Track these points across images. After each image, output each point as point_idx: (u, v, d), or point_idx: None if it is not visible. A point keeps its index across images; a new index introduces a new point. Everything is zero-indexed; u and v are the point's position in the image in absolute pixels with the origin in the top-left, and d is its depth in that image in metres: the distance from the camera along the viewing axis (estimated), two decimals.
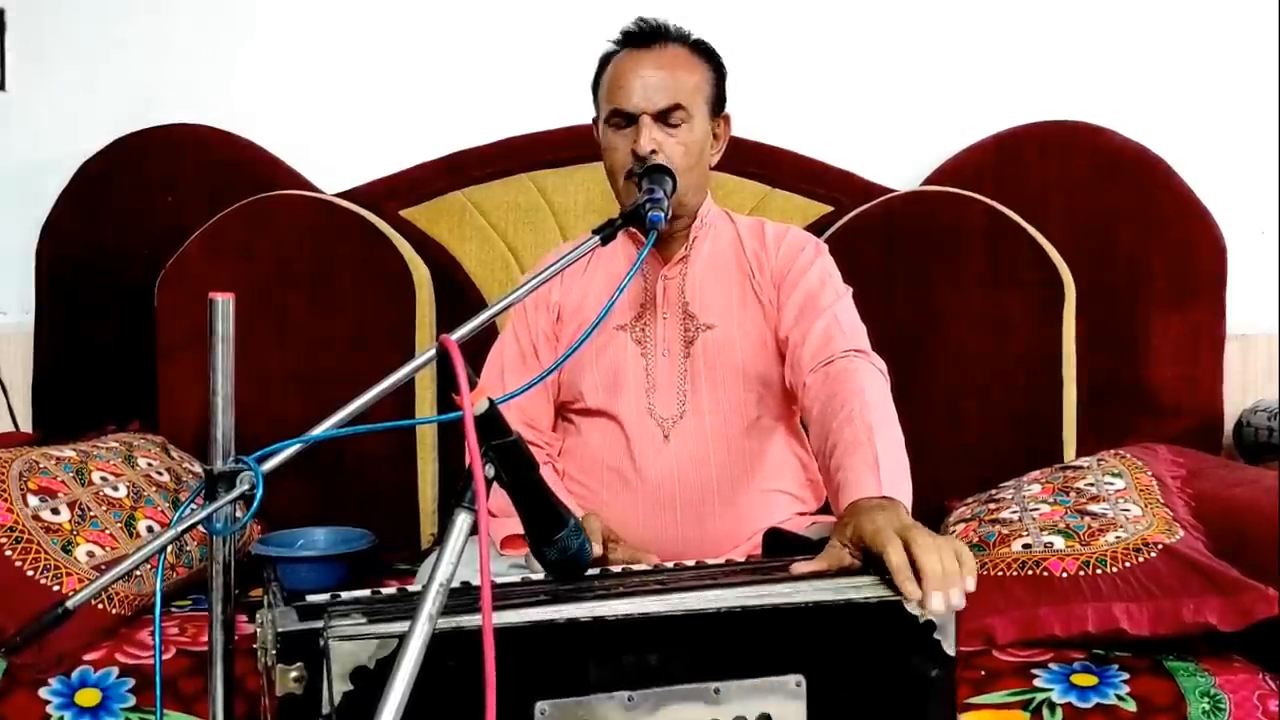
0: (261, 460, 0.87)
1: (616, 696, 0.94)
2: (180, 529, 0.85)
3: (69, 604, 0.79)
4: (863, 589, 1.01)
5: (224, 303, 0.87)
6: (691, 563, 1.17)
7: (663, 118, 1.46)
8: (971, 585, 1.00)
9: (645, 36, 1.51)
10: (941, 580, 0.98)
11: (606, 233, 1.25)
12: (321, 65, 2.31)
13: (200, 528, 0.86)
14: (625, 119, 1.48)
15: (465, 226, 2.18)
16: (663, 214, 1.32)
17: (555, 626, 0.94)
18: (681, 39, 1.53)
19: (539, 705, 0.93)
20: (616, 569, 1.16)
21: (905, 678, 1.01)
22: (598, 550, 1.30)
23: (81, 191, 2.22)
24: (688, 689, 0.96)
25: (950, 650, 1.01)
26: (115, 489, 1.63)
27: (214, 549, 0.90)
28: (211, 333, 0.87)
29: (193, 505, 0.89)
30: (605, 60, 1.55)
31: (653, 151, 1.44)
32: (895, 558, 1.00)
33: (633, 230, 1.52)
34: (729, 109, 1.59)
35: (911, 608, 0.99)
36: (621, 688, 0.94)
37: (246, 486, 0.85)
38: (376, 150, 2.27)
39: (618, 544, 1.42)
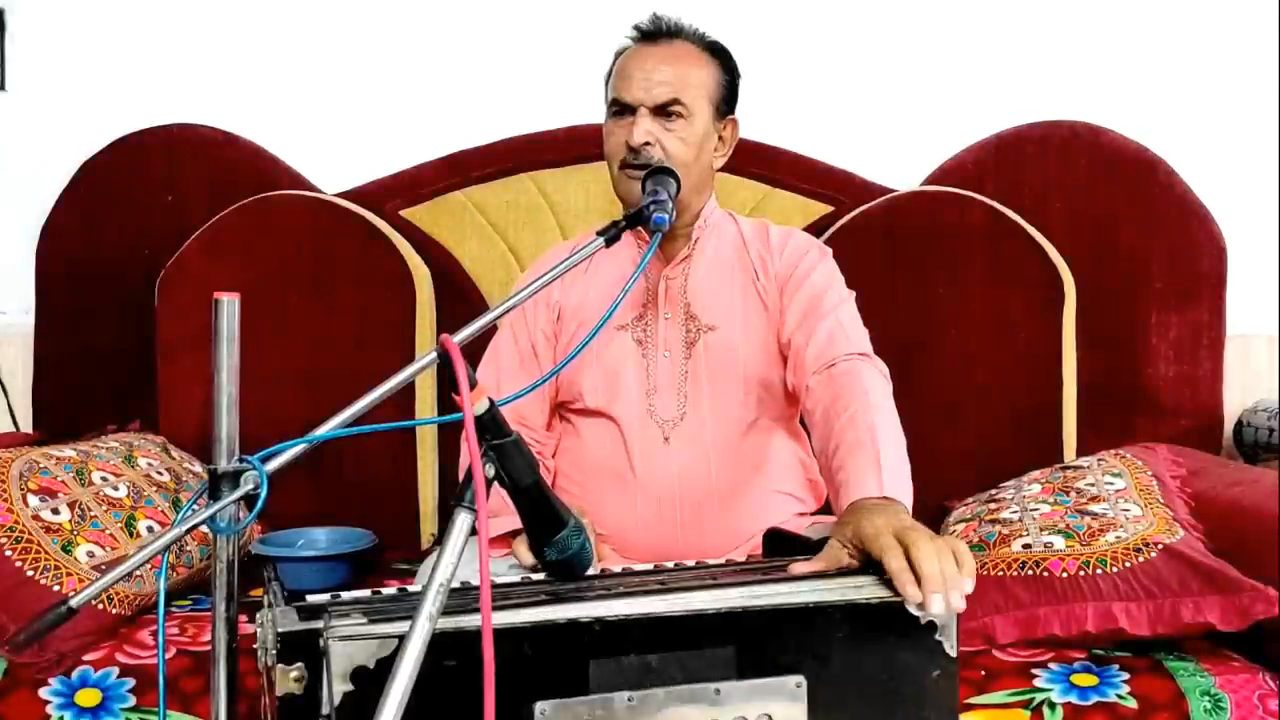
0: (265, 460, 0.87)
1: (617, 697, 0.93)
2: (184, 528, 0.85)
3: (72, 602, 0.79)
4: (863, 590, 1.01)
5: (229, 303, 0.87)
6: (692, 563, 1.17)
7: (661, 112, 1.47)
8: (970, 587, 1.00)
9: (654, 32, 1.52)
10: (940, 582, 0.98)
11: (610, 234, 1.25)
12: (322, 65, 2.31)
13: (203, 527, 0.86)
14: (624, 109, 1.48)
15: (465, 226, 2.18)
16: (666, 216, 1.32)
17: (555, 627, 0.93)
18: (696, 38, 1.54)
19: (539, 706, 0.92)
20: (617, 568, 1.16)
21: (906, 679, 1.00)
22: None
23: (81, 191, 2.21)
24: (689, 689, 0.95)
25: (952, 651, 1.00)
26: (115, 489, 1.63)
27: (217, 548, 0.90)
28: (216, 332, 0.87)
29: (195, 505, 0.89)
30: (619, 54, 1.56)
31: (646, 144, 1.45)
32: (894, 563, 1.00)
33: (636, 229, 1.52)
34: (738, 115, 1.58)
35: (912, 609, 0.99)
36: (622, 688, 0.93)
37: (250, 486, 0.85)
38: (376, 150, 2.27)
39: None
